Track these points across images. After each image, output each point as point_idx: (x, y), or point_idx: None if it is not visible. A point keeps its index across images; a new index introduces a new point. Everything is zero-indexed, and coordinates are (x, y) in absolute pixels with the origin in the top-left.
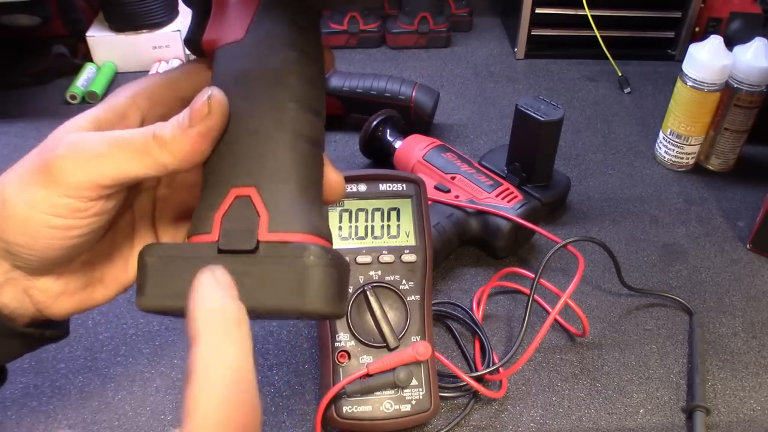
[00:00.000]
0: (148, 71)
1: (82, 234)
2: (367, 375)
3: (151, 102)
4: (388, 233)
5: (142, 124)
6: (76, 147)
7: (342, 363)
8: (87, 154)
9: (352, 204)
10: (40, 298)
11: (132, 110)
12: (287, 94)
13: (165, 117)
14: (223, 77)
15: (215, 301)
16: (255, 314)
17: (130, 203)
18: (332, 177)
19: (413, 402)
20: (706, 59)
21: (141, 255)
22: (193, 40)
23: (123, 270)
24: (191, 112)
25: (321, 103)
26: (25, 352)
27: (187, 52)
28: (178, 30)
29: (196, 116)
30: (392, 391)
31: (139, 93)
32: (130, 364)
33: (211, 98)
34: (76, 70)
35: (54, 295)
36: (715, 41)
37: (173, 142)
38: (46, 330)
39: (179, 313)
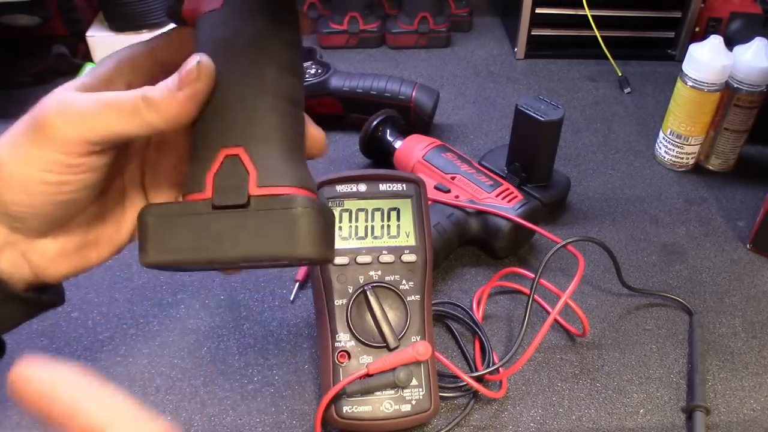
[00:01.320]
0: None
1: (76, 189)
2: (367, 375)
3: (134, 70)
4: (388, 233)
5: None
6: (66, 105)
7: (342, 363)
8: (77, 111)
9: (352, 204)
10: (38, 261)
11: (117, 78)
12: (266, 58)
13: (148, 84)
14: (206, 44)
15: None
16: (251, 263)
17: (121, 169)
18: (314, 132)
19: (413, 402)
20: (706, 59)
21: (141, 215)
22: (174, 9)
23: (116, 231)
24: (180, 77)
25: (298, 65)
26: (24, 320)
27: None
28: None
29: (185, 80)
30: (392, 391)
31: (123, 62)
32: (130, 364)
33: (200, 64)
34: (76, 70)
35: (51, 258)
36: (715, 41)
37: (162, 103)
38: (43, 295)
39: (179, 267)
